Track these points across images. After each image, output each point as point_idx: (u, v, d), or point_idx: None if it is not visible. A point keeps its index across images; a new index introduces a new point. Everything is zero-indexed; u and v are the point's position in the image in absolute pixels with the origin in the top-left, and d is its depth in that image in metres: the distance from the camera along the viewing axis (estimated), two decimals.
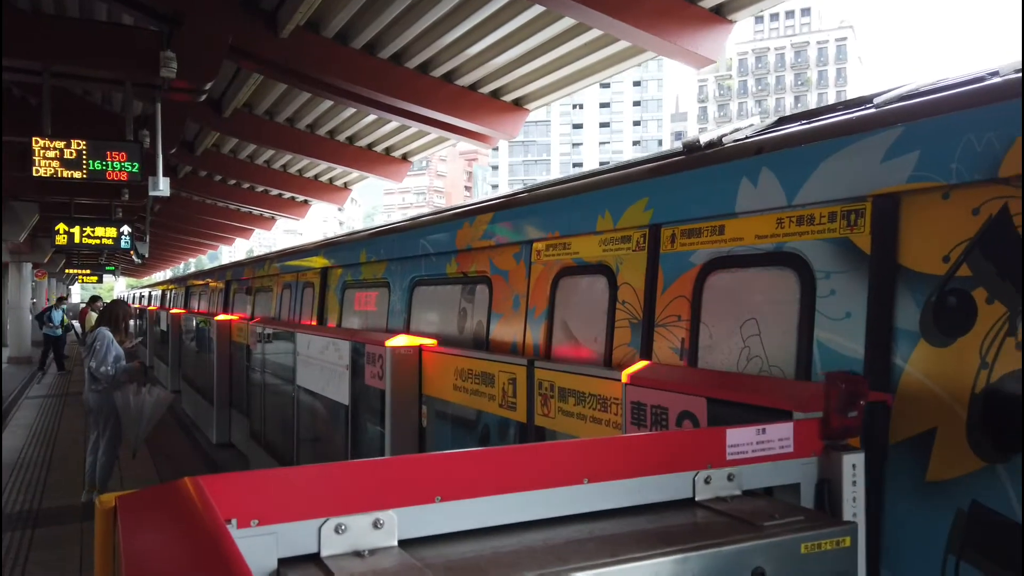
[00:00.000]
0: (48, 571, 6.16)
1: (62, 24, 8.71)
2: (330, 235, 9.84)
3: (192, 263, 49.83)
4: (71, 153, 7.94)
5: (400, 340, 4.75)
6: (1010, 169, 1.94)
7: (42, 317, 21.97)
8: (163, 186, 8.63)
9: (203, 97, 9.01)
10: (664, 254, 3.10)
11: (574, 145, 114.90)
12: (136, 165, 8.14)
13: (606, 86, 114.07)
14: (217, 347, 10.84)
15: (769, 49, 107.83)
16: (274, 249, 12.04)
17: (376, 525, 1.34)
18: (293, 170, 16.08)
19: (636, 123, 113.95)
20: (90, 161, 7.90)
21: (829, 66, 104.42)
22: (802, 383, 2.34)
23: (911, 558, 2.12)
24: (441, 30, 8.64)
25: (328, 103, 11.22)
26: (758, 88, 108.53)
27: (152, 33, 8.05)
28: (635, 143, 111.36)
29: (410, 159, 13.33)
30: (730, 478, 1.71)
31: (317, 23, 8.93)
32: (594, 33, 7.62)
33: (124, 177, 8.01)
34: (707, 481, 1.68)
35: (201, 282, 16.60)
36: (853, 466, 1.81)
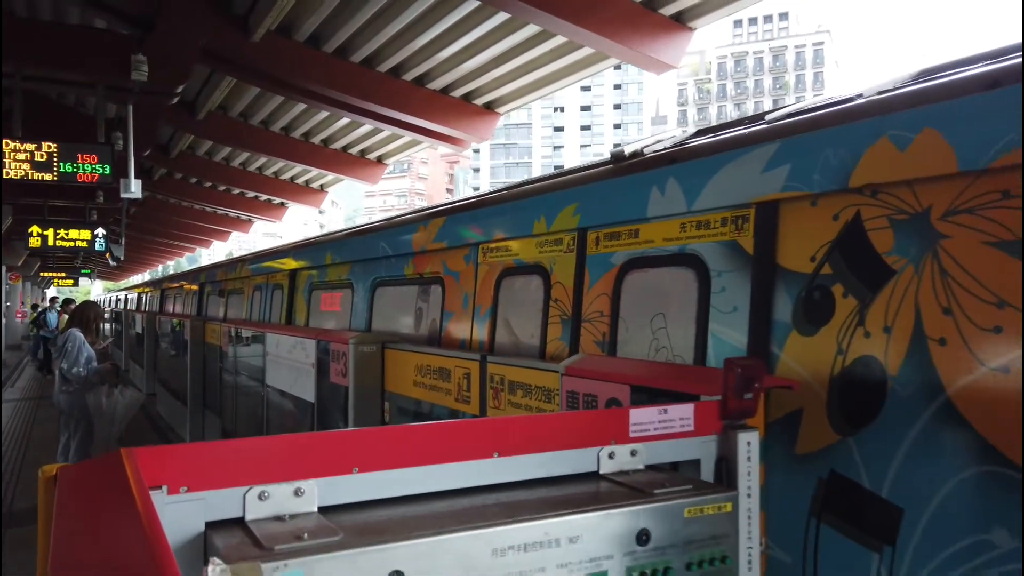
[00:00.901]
0: (16, 571, 6.22)
1: (34, 27, 8.75)
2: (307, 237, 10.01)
3: (171, 265, 49.50)
4: (41, 156, 7.98)
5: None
6: (859, 180, 2.22)
7: (38, 320, 22.03)
8: (135, 188, 8.70)
9: (175, 100, 9.09)
10: (590, 255, 3.33)
11: (555, 148, 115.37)
12: (107, 168, 8.20)
13: (587, 89, 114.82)
14: (191, 349, 10.89)
15: (748, 53, 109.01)
16: (253, 251, 12.13)
17: (297, 493, 1.49)
18: (269, 172, 16.14)
19: (617, 126, 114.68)
20: (61, 163, 7.95)
21: (807, 70, 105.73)
22: (714, 369, 2.54)
23: (783, 522, 2.37)
24: (412, 34, 8.78)
25: (302, 106, 11.32)
26: (737, 92, 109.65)
27: (124, 37, 8.13)
28: (616, 146, 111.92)
29: (385, 161, 13.45)
30: (633, 453, 1.88)
31: (289, 27, 9.04)
32: (560, 39, 7.81)
33: (95, 179, 8.07)
34: (611, 456, 1.85)
35: (176, 285, 16.61)
36: (748, 443, 1.99)
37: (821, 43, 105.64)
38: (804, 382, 2.36)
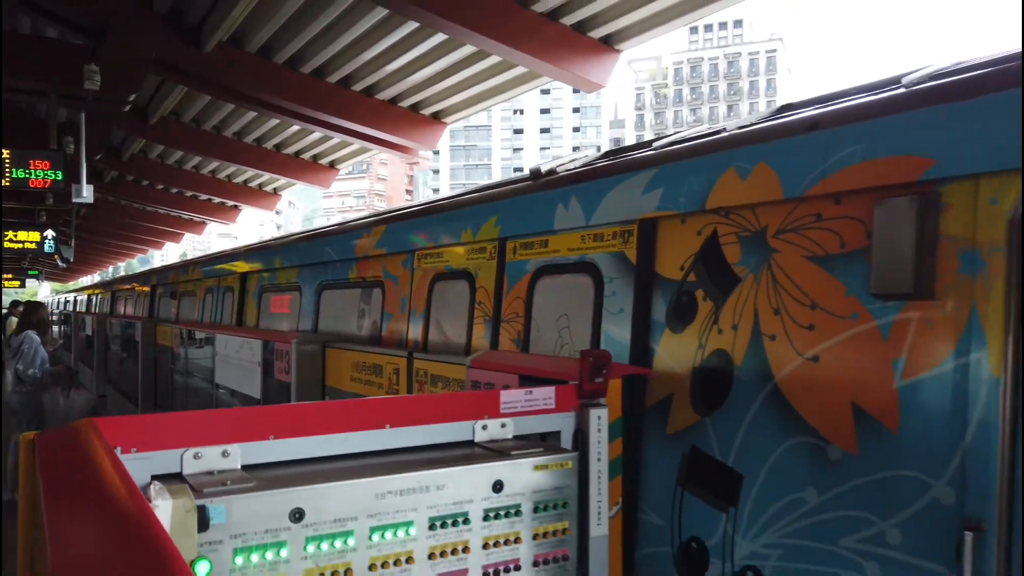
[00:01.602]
0: None
1: None
2: (265, 238, 10.28)
3: (122, 267, 48.68)
4: None
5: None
6: (714, 203, 2.73)
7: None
8: (87, 193, 8.92)
9: (127, 107, 9.32)
10: (508, 262, 3.81)
11: (515, 150, 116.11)
12: (59, 173, 8.42)
13: (546, 92, 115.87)
14: (142, 350, 11.08)
15: (703, 59, 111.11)
16: (207, 252, 12.34)
17: (224, 454, 1.92)
18: (222, 175, 16.30)
19: (576, 129, 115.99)
20: (13, 169, 8.15)
21: (760, 76, 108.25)
22: (578, 360, 3.05)
23: (657, 491, 2.86)
24: (361, 47, 9.16)
25: (254, 113, 11.60)
26: (693, 97, 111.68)
27: (76, 46, 8.35)
28: (575, 148, 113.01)
29: (337, 167, 13.77)
30: (503, 426, 2.35)
31: (241, 38, 9.34)
32: (498, 57, 8.29)
33: (47, 185, 8.28)
34: (484, 428, 2.32)
35: (127, 287, 16.65)
36: (599, 418, 2.48)
37: (774, 50, 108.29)
38: (674, 372, 2.86)
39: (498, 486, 2.07)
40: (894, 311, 2.31)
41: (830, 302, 2.48)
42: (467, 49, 8.41)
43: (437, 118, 10.44)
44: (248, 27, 9.08)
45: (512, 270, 3.79)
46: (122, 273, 43.86)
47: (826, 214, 2.53)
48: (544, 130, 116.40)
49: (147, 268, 20.05)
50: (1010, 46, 2.62)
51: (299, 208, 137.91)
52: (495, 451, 2.21)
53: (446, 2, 6.66)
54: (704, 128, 3.55)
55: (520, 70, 8.39)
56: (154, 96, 11.56)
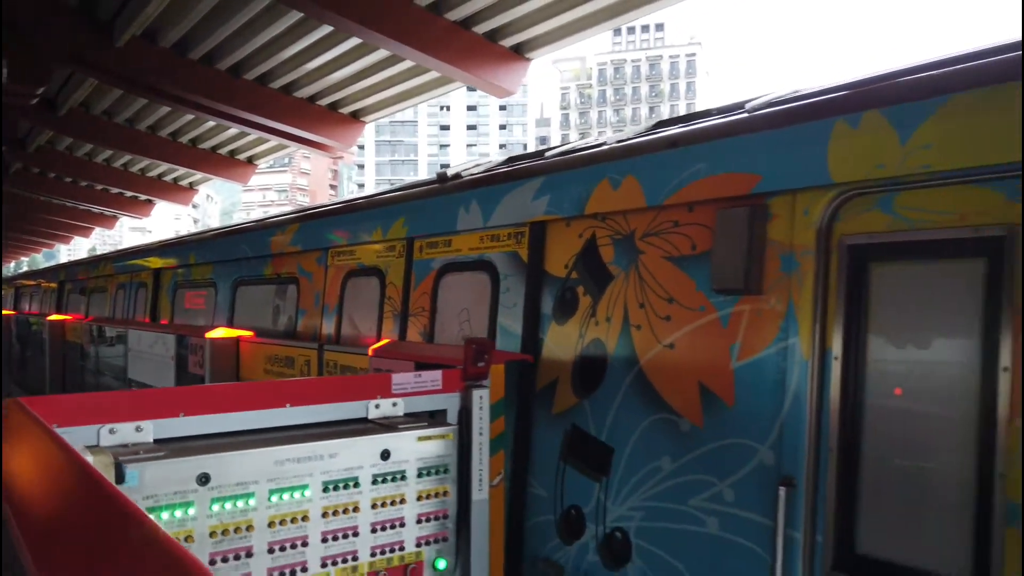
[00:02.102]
0: None
1: None
2: (181, 233, 10.21)
3: (25, 262, 46.26)
4: None
5: (219, 332, 5.45)
6: (592, 209, 3.14)
7: None
8: None
9: (35, 100, 9.12)
10: (416, 260, 4.13)
11: (442, 146, 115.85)
12: None
13: (473, 90, 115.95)
14: (50, 347, 10.82)
15: (626, 61, 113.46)
16: (119, 247, 12.10)
17: (137, 430, 2.18)
18: (135, 169, 15.90)
19: (503, 127, 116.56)
20: None
21: (680, 79, 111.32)
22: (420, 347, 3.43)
23: (544, 466, 3.25)
24: (279, 45, 9.19)
25: (168, 108, 11.45)
26: (616, 98, 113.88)
27: None
28: (501, 146, 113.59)
29: (256, 162, 13.70)
30: (394, 405, 2.67)
31: (154, 33, 9.26)
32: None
33: None
34: (377, 406, 2.63)
35: (32, 283, 16.06)
36: (480, 397, 2.83)
37: (693, 54, 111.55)
38: (559, 359, 3.24)
39: (385, 454, 2.39)
40: (731, 304, 2.75)
41: (683, 296, 2.91)
42: (384, 52, 8.62)
43: (356, 117, 10.59)
44: (162, 22, 9.02)
45: (419, 267, 4.11)
46: (25, 268, 41.65)
47: (681, 220, 2.97)
48: (471, 127, 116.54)
49: (54, 263, 19.31)
50: (831, 79, 3.12)
51: (218, 202, 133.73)
52: (384, 425, 2.53)
53: (360, 9, 6.88)
54: (589, 141, 3.96)
55: (436, 73, 8.67)
56: (63, 87, 11.25)
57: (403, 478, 2.41)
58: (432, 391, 2.77)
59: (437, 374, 2.79)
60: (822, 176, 2.50)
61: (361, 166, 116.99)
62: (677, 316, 2.93)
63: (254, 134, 11.35)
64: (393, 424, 2.52)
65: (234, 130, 11.74)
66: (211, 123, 11.96)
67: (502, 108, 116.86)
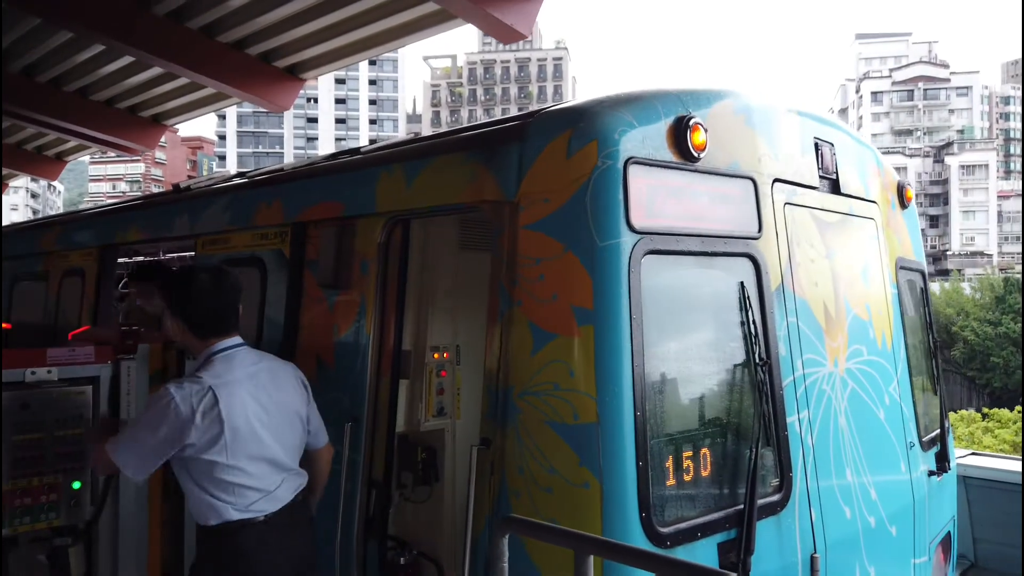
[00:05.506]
0: None
1: None
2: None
3: None
4: None
5: None
6: (256, 222, 4.16)
7: None
8: None
9: None
10: (199, 255, 4.94)
11: (309, 139, 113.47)
12: None
13: (342, 82, 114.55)
14: None
15: (496, 61, 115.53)
16: None
17: None
18: None
19: (373, 121, 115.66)
20: None
21: (548, 83, 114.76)
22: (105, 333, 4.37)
23: None
24: (75, 48, 9.49)
25: None
26: (487, 98, 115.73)
27: None
28: (372, 141, 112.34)
29: (65, 159, 13.72)
30: (49, 372, 3.55)
31: None
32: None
33: None
34: (33, 373, 3.52)
35: None
36: (128, 368, 3.78)
37: (560, 59, 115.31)
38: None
39: (25, 406, 3.31)
40: (335, 295, 3.85)
41: (311, 290, 4.00)
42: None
43: (157, 121, 11.04)
44: None
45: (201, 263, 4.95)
46: None
47: (312, 235, 4.04)
48: (340, 120, 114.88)
49: None
50: (384, 141, 4.31)
51: (64, 192, 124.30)
52: (33, 385, 3.44)
53: (135, 29, 7.50)
54: (303, 161, 4.98)
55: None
56: None
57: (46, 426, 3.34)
58: (86, 362, 3.68)
59: (90, 348, 3.72)
60: (372, 207, 3.66)
61: (223, 157, 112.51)
62: (314, 303, 4.00)
63: (52, 134, 11.54)
64: (40, 384, 3.42)
65: (31, 130, 11.80)
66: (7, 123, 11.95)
67: (372, 103, 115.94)
